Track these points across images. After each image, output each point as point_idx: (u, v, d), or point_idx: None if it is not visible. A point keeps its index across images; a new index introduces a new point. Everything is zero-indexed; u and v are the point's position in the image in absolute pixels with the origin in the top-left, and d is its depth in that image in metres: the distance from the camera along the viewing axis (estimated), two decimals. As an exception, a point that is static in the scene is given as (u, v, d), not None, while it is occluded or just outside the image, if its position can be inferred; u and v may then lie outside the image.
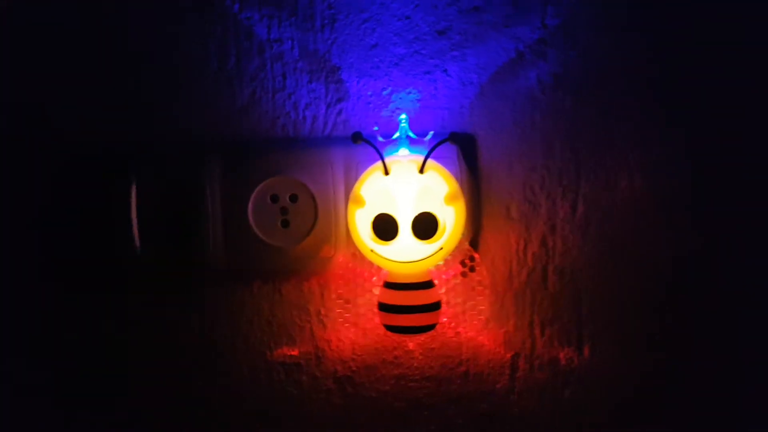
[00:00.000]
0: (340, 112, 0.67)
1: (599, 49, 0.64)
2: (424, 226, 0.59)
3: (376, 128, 0.64)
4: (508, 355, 0.68)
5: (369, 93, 0.67)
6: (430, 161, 0.60)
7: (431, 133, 0.63)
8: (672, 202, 0.65)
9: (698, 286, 0.65)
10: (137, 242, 0.68)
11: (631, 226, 0.66)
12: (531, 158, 0.66)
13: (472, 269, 0.66)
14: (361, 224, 0.61)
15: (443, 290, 0.66)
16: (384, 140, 0.62)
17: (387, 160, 0.60)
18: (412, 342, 0.68)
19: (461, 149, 0.65)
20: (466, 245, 0.66)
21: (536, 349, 0.68)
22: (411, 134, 0.63)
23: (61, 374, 0.71)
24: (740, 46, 0.63)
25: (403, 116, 0.63)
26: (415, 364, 0.69)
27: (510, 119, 0.66)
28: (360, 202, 0.61)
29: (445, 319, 0.67)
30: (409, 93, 0.66)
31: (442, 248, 0.61)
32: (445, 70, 0.66)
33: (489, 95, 0.66)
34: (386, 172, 0.60)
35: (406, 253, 0.60)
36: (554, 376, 0.68)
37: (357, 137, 0.60)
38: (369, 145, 0.60)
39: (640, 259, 0.66)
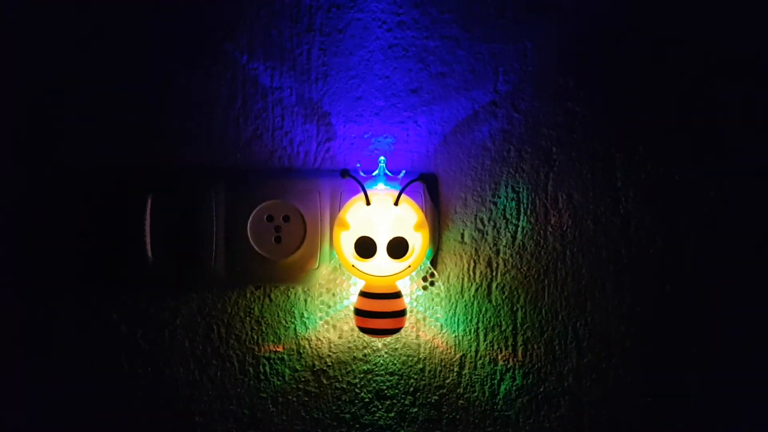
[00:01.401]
0: (328, 150, 0.81)
1: (538, 112, 0.81)
2: (397, 248, 0.74)
3: (358, 165, 0.79)
4: (458, 356, 0.83)
5: (353, 135, 0.81)
6: (403, 196, 0.75)
7: (403, 171, 0.78)
8: (591, 236, 0.82)
9: (613, 300, 0.82)
10: (149, 251, 0.79)
11: (559, 254, 0.82)
12: (482, 195, 0.82)
13: (431, 284, 0.81)
14: (344, 244, 0.75)
15: (408, 300, 0.81)
16: (365, 175, 0.77)
17: (368, 192, 0.75)
18: (380, 342, 0.82)
19: (426, 187, 0.81)
20: (428, 264, 0.81)
21: (480, 351, 0.83)
22: (387, 172, 0.77)
23: (69, 369, 0.82)
24: (653, 101, 0.81)
25: (382, 158, 0.77)
26: (381, 361, 0.83)
27: (466, 163, 0.82)
28: (345, 226, 0.75)
29: (408, 325, 0.82)
30: (386, 138, 0.81)
31: (410, 266, 0.75)
32: (416, 122, 0.81)
33: (450, 143, 0.81)
34: (368, 203, 0.74)
35: (381, 269, 0.75)
36: (493, 374, 0.84)
37: (345, 173, 0.74)
38: (354, 180, 0.74)
39: (565, 280, 0.82)
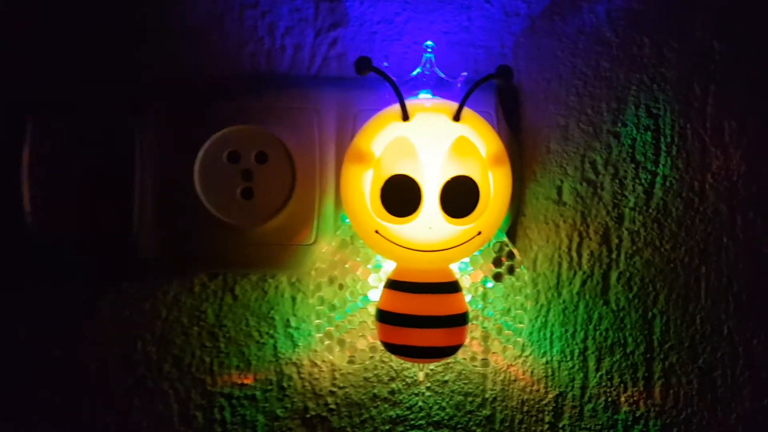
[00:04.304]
0: (334, 43, 0.49)
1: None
2: (459, 197, 0.41)
3: (385, 64, 0.45)
4: (551, 395, 0.50)
5: (376, 19, 0.48)
6: (465, 108, 0.42)
7: (464, 74, 0.44)
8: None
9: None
10: (27, 209, 0.47)
11: (725, 221, 0.49)
12: (594, 121, 0.49)
13: (510, 271, 0.47)
14: (365, 191, 0.42)
15: (469, 299, 0.47)
16: (396, 80, 0.43)
17: (407, 102, 0.42)
18: (421, 371, 0.48)
19: (501, 102, 0.47)
20: (503, 237, 0.47)
21: (589, 387, 0.50)
22: (438, 72, 0.44)
23: None
24: None
25: (429, 44, 0.44)
26: (420, 404, 0.50)
27: (568, 66, 0.49)
28: (365, 160, 0.41)
29: (468, 341, 0.48)
30: (433, 22, 0.48)
31: (480, 233, 0.42)
32: (484, -5, 0.48)
33: (541, 32, 0.49)
34: (405, 117, 0.41)
35: (430, 236, 0.41)
36: (613, 426, 0.50)
37: (363, 65, 0.41)
38: (381, 76, 0.41)
39: (735, 266, 0.49)
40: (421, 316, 0.43)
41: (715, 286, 0.49)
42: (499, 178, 0.42)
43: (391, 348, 0.44)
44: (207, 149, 0.46)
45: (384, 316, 0.44)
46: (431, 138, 0.41)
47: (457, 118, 0.41)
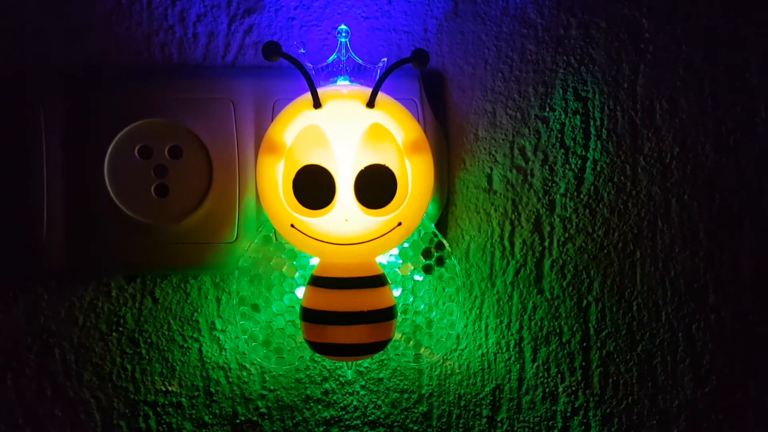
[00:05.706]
0: (249, 30, 0.46)
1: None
2: (375, 187, 0.39)
3: (302, 50, 0.43)
4: (488, 388, 0.48)
5: (293, 4, 0.46)
6: (382, 95, 0.40)
7: (384, 60, 0.42)
8: (713, 172, 0.47)
9: (751, 284, 0.47)
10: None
11: (659, 205, 0.47)
12: (521, 106, 0.47)
13: (439, 262, 0.45)
14: (279, 184, 0.40)
15: (399, 293, 0.45)
16: (313, 66, 0.41)
17: (319, 89, 0.40)
18: (350, 369, 0.46)
19: (426, 89, 0.45)
20: (432, 228, 0.45)
21: (526, 379, 0.48)
22: (355, 57, 0.42)
23: None
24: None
25: (343, 27, 0.42)
26: (355, 403, 0.48)
27: (493, 51, 0.47)
28: (277, 151, 0.39)
29: (399, 336, 0.46)
30: (352, 6, 0.46)
31: (400, 224, 0.40)
32: (405, -22, 0.46)
33: (464, 15, 0.47)
34: (316, 104, 0.39)
35: (348, 228, 0.39)
36: (551, 418, 0.48)
37: (271, 50, 0.39)
38: (291, 62, 0.39)
39: (670, 250, 0.48)
40: (345, 312, 0.41)
41: (651, 272, 0.48)
42: (418, 167, 0.40)
43: (317, 347, 0.42)
44: (116, 144, 0.44)
45: (308, 314, 0.42)
46: (343, 126, 0.39)
47: (370, 104, 0.39)
